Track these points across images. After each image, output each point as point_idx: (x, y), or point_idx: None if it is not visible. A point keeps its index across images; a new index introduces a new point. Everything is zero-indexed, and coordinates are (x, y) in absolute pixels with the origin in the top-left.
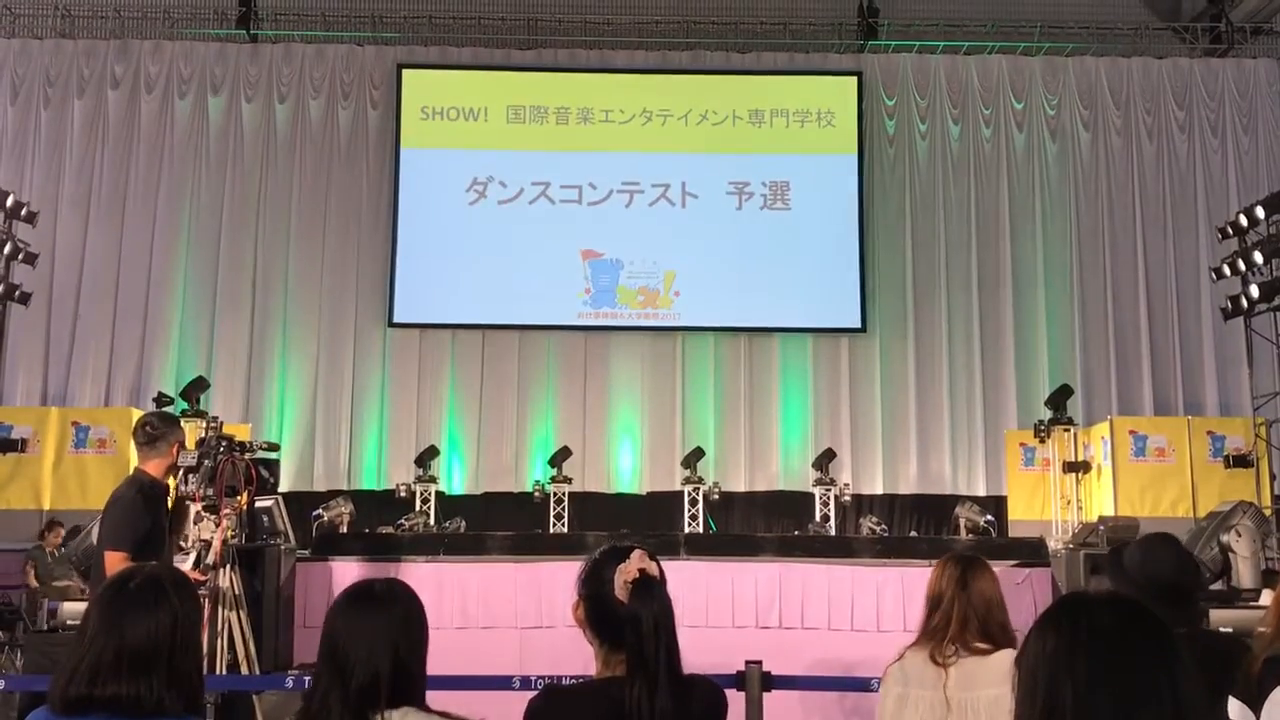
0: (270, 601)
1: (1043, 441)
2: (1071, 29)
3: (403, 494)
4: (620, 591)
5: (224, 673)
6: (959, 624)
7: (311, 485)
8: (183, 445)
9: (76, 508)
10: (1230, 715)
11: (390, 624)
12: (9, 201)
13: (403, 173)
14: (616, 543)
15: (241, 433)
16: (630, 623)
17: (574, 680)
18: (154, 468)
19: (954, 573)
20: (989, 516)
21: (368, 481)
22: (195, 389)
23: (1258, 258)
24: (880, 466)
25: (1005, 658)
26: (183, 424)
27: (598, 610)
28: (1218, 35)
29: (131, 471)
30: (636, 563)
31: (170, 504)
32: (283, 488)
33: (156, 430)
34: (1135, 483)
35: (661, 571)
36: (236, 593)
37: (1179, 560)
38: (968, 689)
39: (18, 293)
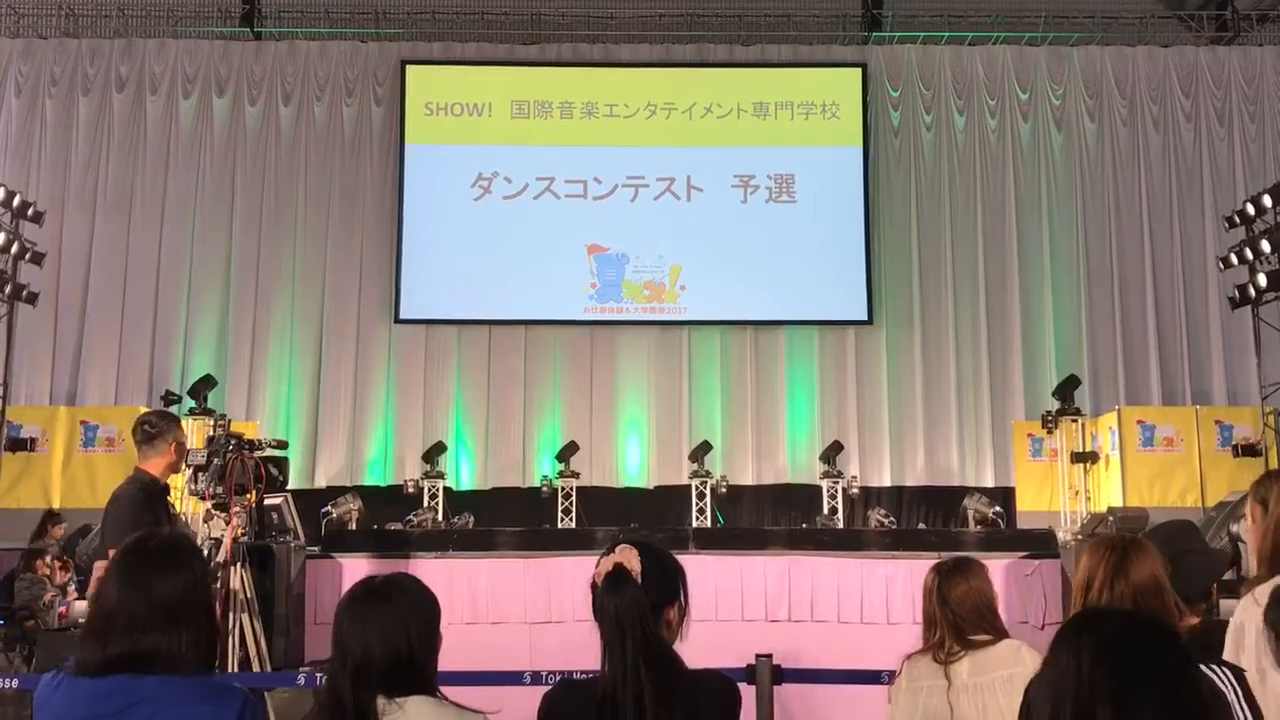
0: (281, 599)
1: (1050, 432)
2: (1076, 18)
3: (411, 490)
4: (600, 584)
5: (235, 670)
6: (953, 631)
7: (320, 482)
8: (181, 444)
9: (86, 506)
10: None
11: (385, 614)
12: (15, 201)
13: (407, 169)
14: (628, 537)
15: (249, 430)
16: (598, 615)
17: (585, 675)
18: (153, 466)
19: (934, 585)
20: (997, 508)
21: (375, 478)
22: (203, 387)
23: (1265, 246)
24: (888, 458)
25: (1008, 645)
26: (184, 422)
27: (593, 604)
28: (1224, 23)
29: (132, 471)
30: (615, 556)
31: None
32: (291, 485)
33: (155, 429)
34: (1144, 473)
35: (677, 564)
36: (247, 591)
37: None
38: (978, 675)
39: (25, 292)
